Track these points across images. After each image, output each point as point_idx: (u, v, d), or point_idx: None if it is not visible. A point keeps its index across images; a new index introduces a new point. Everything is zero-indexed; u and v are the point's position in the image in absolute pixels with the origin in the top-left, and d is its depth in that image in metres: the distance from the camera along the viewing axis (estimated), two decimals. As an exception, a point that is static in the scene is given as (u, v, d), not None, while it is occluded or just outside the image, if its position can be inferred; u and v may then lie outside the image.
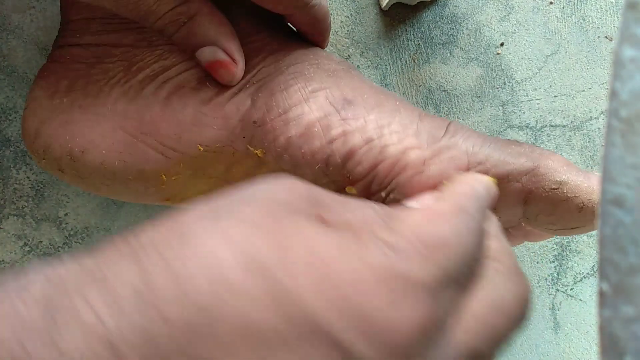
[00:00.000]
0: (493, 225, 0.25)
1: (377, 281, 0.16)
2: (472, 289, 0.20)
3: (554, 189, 0.28)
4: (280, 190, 0.19)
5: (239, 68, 0.29)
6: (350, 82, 0.30)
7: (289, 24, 0.33)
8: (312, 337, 0.16)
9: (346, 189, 0.30)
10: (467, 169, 0.29)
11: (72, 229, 0.38)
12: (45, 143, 0.30)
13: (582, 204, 0.28)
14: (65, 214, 0.38)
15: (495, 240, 0.23)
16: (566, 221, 0.29)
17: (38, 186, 0.37)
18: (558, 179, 0.28)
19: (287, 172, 0.29)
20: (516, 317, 0.21)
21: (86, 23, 0.30)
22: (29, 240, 0.37)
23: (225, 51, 0.28)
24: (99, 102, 0.29)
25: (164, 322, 0.15)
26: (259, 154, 0.29)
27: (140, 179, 0.30)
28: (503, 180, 0.29)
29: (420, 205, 0.24)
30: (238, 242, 0.16)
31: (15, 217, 0.37)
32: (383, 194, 0.30)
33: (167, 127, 0.29)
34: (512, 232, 0.33)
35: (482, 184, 0.25)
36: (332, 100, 0.29)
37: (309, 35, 0.32)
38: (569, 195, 0.28)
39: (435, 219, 0.20)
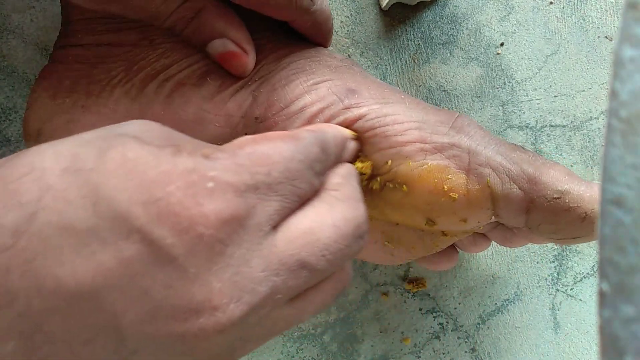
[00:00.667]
0: (343, 168, 0.25)
1: (183, 180, 0.18)
2: (303, 208, 0.22)
3: (556, 198, 0.28)
4: (132, 124, 0.20)
5: (250, 57, 0.29)
6: (353, 76, 0.30)
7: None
8: (123, 232, 0.17)
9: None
10: (468, 169, 0.29)
11: (72, 229, 0.38)
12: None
13: (584, 214, 0.28)
14: (65, 214, 0.38)
15: (340, 178, 0.24)
16: (568, 231, 0.29)
17: (38, 186, 0.37)
18: (560, 188, 0.28)
19: None
20: (346, 235, 0.22)
21: (87, 23, 0.30)
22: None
23: (235, 42, 0.29)
24: (101, 102, 0.29)
25: None
26: None
27: None
28: (504, 184, 0.29)
29: None
30: (63, 153, 0.18)
31: (15, 217, 0.37)
32: (378, 179, 0.30)
33: (169, 125, 0.29)
34: (516, 232, 0.33)
35: (332, 129, 0.26)
36: (334, 90, 0.29)
37: (311, 37, 0.32)
38: (571, 205, 0.28)
39: (261, 140, 0.21)
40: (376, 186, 0.30)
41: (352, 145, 0.28)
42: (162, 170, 0.18)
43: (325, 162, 0.24)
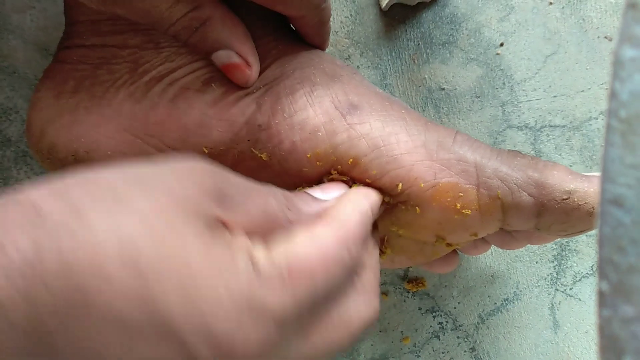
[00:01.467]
0: (372, 241, 0.27)
1: (231, 301, 0.19)
2: (329, 307, 0.23)
3: (565, 199, 0.29)
4: (184, 179, 0.20)
5: (254, 70, 0.29)
6: (355, 88, 0.30)
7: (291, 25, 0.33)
8: (166, 337, 0.18)
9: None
10: (478, 183, 0.29)
11: (72, 229, 0.38)
12: (50, 143, 0.30)
13: (592, 209, 0.29)
14: (66, 214, 0.38)
15: (367, 257, 0.26)
16: (578, 226, 0.30)
17: (38, 186, 0.37)
18: (567, 189, 0.29)
19: (291, 175, 0.30)
20: (355, 335, 0.23)
21: (92, 24, 0.30)
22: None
23: (239, 54, 0.28)
24: (105, 103, 0.29)
25: (47, 290, 0.16)
26: (263, 157, 0.29)
27: None
28: (514, 194, 0.29)
29: (322, 196, 0.26)
30: (124, 236, 0.18)
31: (15, 216, 0.37)
32: (392, 201, 0.30)
33: (172, 129, 0.29)
34: (515, 235, 0.33)
35: (370, 202, 0.27)
36: (337, 105, 0.29)
37: (309, 37, 0.32)
38: (579, 202, 0.29)
39: (312, 250, 0.21)
40: (388, 207, 0.30)
41: (380, 209, 0.29)
42: (214, 285, 0.19)
43: (360, 253, 0.24)
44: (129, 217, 0.18)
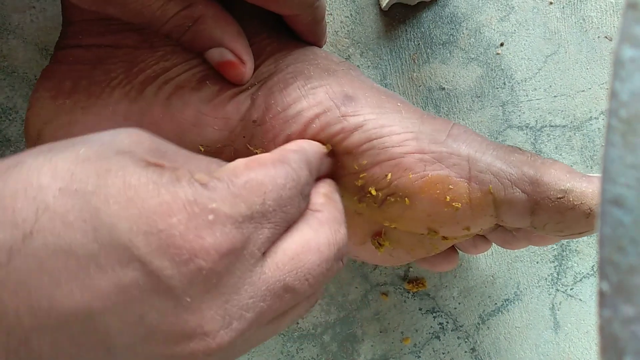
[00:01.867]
0: (325, 186, 0.27)
1: (185, 213, 0.19)
2: (290, 231, 0.23)
3: (559, 198, 0.28)
4: (124, 138, 0.21)
5: (248, 67, 0.29)
6: (351, 81, 0.30)
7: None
8: (123, 260, 0.17)
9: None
10: (469, 177, 0.29)
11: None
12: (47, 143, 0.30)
13: (589, 210, 0.28)
14: (65, 214, 0.38)
15: (323, 197, 0.26)
16: (574, 227, 0.29)
17: (38, 186, 0.37)
18: (563, 187, 0.28)
19: None
20: (328, 259, 0.23)
21: (88, 24, 0.30)
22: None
23: (233, 51, 0.28)
24: (101, 103, 0.29)
25: None
26: (259, 153, 0.29)
27: None
28: (507, 189, 0.29)
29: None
30: (60, 171, 0.18)
31: (15, 217, 0.37)
32: (380, 194, 0.30)
33: (168, 127, 0.29)
34: (515, 234, 0.33)
35: (312, 146, 0.27)
36: (332, 95, 0.29)
37: (306, 35, 0.32)
38: (575, 202, 0.28)
39: (253, 166, 0.22)
40: (377, 201, 0.30)
41: (328, 161, 0.29)
42: (164, 201, 0.18)
43: (311, 183, 0.25)
44: (66, 158, 0.19)
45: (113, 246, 0.17)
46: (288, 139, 0.29)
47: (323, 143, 0.29)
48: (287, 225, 0.23)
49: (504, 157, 0.29)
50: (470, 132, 0.30)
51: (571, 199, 0.28)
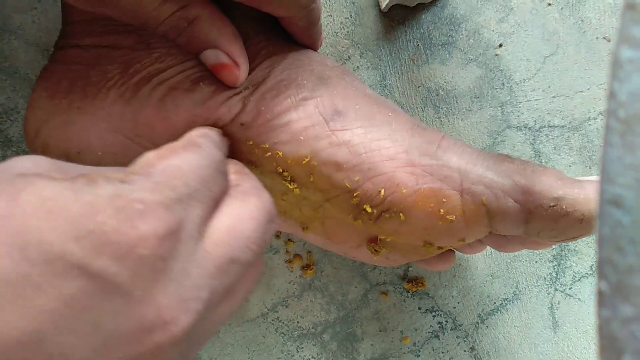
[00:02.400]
0: (232, 165, 0.27)
1: (111, 208, 0.18)
2: (219, 209, 0.23)
3: (552, 206, 0.28)
4: (23, 162, 0.20)
5: (242, 70, 0.29)
6: (343, 91, 0.30)
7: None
8: (59, 271, 0.16)
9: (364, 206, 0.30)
10: (462, 189, 0.29)
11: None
12: (44, 143, 0.30)
13: (582, 216, 0.28)
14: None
15: (235, 174, 0.26)
16: (568, 233, 0.29)
17: (39, 186, 0.37)
18: (555, 195, 0.28)
19: (271, 174, 0.30)
20: (262, 222, 0.24)
21: (87, 25, 0.30)
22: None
23: (228, 54, 0.28)
24: (97, 104, 0.30)
25: None
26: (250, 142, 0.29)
27: None
28: (499, 200, 0.29)
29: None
30: None
31: (16, 217, 0.37)
32: (375, 211, 0.30)
33: (161, 129, 0.29)
34: (509, 239, 0.33)
35: (213, 130, 0.27)
36: (321, 110, 0.29)
37: (300, 38, 0.32)
38: (568, 210, 0.28)
39: (166, 154, 0.22)
40: (372, 218, 0.30)
41: (227, 143, 0.29)
42: (85, 202, 0.18)
43: (225, 162, 0.25)
44: None
45: (46, 261, 0.16)
46: (274, 147, 0.29)
47: (309, 158, 0.29)
48: (215, 203, 0.23)
49: (495, 168, 0.29)
50: (460, 143, 0.30)
51: (564, 207, 0.28)
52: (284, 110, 0.29)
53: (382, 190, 0.29)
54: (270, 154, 0.29)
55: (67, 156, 0.30)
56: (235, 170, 0.26)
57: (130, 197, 0.18)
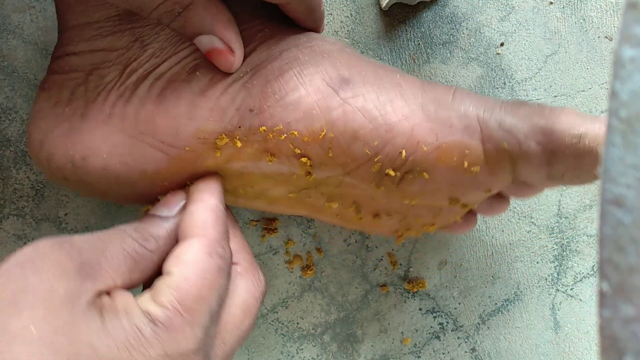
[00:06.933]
0: (233, 240, 0.30)
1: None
2: (225, 303, 0.28)
3: (575, 143, 0.28)
4: (44, 273, 0.23)
5: (237, 56, 0.29)
6: (346, 60, 0.30)
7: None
8: None
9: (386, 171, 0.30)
10: (482, 137, 0.28)
11: (72, 229, 0.38)
12: (49, 153, 0.30)
13: None
14: (65, 214, 0.38)
15: (234, 245, 0.30)
16: (592, 171, 0.29)
17: (38, 186, 0.37)
18: (577, 132, 0.28)
19: (289, 158, 0.30)
20: (255, 311, 0.29)
21: (80, 29, 0.30)
22: (29, 240, 0.37)
23: (222, 39, 0.28)
24: (98, 108, 0.30)
25: None
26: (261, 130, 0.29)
27: (144, 179, 0.30)
28: (521, 144, 0.28)
29: (168, 212, 0.29)
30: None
31: (15, 217, 0.37)
32: (398, 174, 0.29)
33: (163, 122, 0.29)
34: (503, 193, 0.32)
35: (215, 194, 0.30)
36: (328, 81, 0.29)
37: (303, 23, 0.32)
38: (591, 145, 0.27)
39: (191, 275, 0.25)
40: (395, 182, 0.30)
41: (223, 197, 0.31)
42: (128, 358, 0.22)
43: (228, 248, 0.28)
44: (25, 345, 0.20)
45: None
46: (288, 127, 0.28)
47: (325, 131, 0.29)
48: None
49: (513, 112, 0.29)
50: (473, 93, 0.30)
51: (587, 142, 0.27)
52: (291, 88, 0.29)
53: (403, 151, 0.28)
54: (285, 135, 0.29)
55: (72, 163, 0.30)
56: (234, 235, 0.30)
57: (172, 353, 0.23)
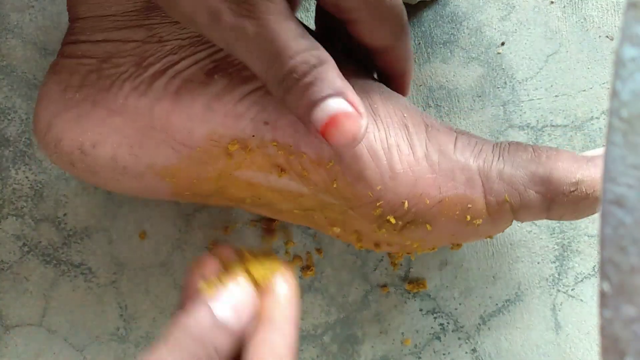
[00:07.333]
0: (274, 295, 0.27)
1: None
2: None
3: (572, 191, 0.29)
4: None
5: (365, 120, 0.25)
6: (362, 87, 0.30)
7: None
8: None
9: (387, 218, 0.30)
10: (484, 190, 0.29)
11: (71, 229, 0.38)
12: (57, 137, 0.30)
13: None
14: (64, 214, 0.38)
15: (271, 301, 0.26)
16: (590, 211, 0.30)
17: (37, 186, 0.37)
18: (574, 180, 0.29)
19: (299, 177, 0.30)
20: (292, 345, 0.25)
21: (97, 21, 0.30)
22: (27, 241, 0.37)
23: (349, 101, 0.25)
24: (111, 97, 0.30)
25: None
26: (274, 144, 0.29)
27: (152, 173, 0.30)
28: (522, 195, 0.29)
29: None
30: None
31: (14, 217, 0.37)
32: (400, 223, 0.30)
33: (177, 121, 0.29)
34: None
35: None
36: None
37: (391, 78, 0.32)
38: (587, 192, 0.29)
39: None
40: (397, 228, 0.30)
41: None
42: None
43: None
44: None
45: None
46: (298, 148, 0.29)
47: (332, 162, 0.28)
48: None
49: (511, 160, 0.29)
50: (473, 140, 0.30)
51: (583, 189, 0.29)
52: None
53: (406, 202, 0.29)
54: (294, 156, 0.29)
55: (81, 149, 0.30)
56: (274, 299, 0.26)
57: None
